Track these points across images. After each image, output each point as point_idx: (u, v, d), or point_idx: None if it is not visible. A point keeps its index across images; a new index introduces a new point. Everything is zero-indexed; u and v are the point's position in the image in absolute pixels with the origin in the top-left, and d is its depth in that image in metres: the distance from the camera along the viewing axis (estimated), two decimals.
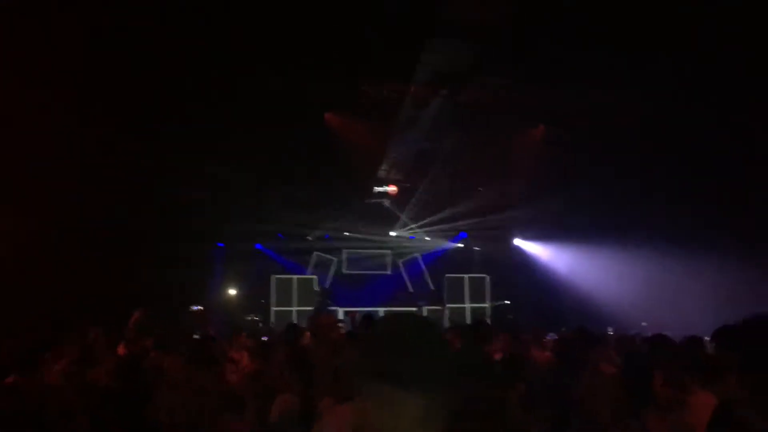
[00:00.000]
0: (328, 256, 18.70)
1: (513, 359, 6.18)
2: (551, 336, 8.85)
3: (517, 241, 18.67)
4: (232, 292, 17.61)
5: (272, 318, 17.17)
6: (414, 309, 16.80)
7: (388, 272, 18.92)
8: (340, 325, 7.12)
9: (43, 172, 9.50)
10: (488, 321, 13.57)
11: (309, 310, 15.74)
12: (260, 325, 15.78)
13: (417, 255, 19.03)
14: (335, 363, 4.91)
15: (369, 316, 6.96)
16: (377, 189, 17.14)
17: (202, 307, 14.42)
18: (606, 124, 11.71)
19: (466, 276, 18.63)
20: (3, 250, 9.07)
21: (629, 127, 11.98)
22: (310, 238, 18.14)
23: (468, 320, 16.94)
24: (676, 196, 12.79)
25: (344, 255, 18.71)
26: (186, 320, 13.05)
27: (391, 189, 16.47)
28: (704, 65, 9.66)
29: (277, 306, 17.72)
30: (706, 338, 7.35)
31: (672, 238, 13.01)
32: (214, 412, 3.81)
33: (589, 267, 15.52)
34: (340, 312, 15.81)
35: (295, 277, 18.22)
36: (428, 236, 18.59)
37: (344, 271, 18.76)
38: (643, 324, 12.42)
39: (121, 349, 7.04)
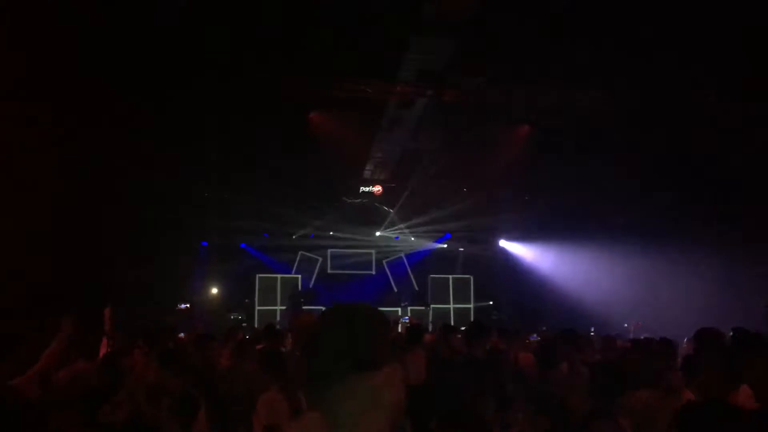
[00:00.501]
0: (313, 255, 18.65)
1: (493, 355, 6.26)
2: (534, 337, 8.90)
3: (503, 242, 18.74)
4: (216, 290, 17.52)
5: (256, 317, 17.12)
6: (398, 309, 16.86)
7: (373, 272, 18.91)
8: None
9: (24, 167, 9.39)
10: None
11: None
12: (243, 324, 15.74)
13: (401, 255, 19.04)
14: None
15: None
16: (363, 189, 17.13)
17: (188, 305, 14.37)
18: (588, 122, 11.77)
19: (450, 276, 18.67)
20: None
21: (611, 126, 12.06)
22: (294, 237, 18.09)
23: (452, 320, 17.02)
24: (662, 196, 12.86)
25: (329, 254, 18.68)
26: (173, 319, 12.98)
27: (376, 189, 16.48)
28: (691, 61, 9.74)
29: (260, 305, 17.65)
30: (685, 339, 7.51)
31: (656, 238, 13.13)
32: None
33: (574, 268, 15.61)
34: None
35: (279, 276, 18.16)
36: (413, 236, 18.62)
37: (329, 270, 18.73)
38: (625, 325, 12.53)
39: (103, 347, 7.01)
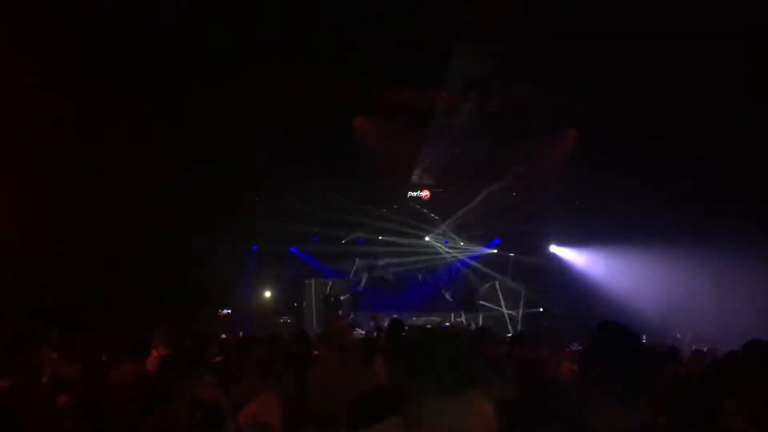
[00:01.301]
0: (362, 260, 18.71)
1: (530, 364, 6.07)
2: (575, 346, 8.64)
3: (553, 248, 18.36)
4: (266, 294, 17.76)
5: (312, 319, 17.29)
6: (447, 315, 16.77)
7: (421, 277, 18.84)
8: (359, 330, 7.07)
9: (72, 169, 9.70)
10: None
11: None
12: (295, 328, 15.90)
13: (451, 260, 18.89)
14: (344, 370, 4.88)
15: (396, 322, 6.85)
16: (411, 194, 17.09)
17: (230, 311, 14.56)
18: (641, 129, 11.44)
19: (498, 282, 18.42)
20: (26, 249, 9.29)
21: (666, 131, 11.70)
22: (344, 241, 18.18)
23: (509, 327, 16.90)
24: (722, 203, 12.36)
25: (378, 259, 18.70)
26: (212, 324, 13.18)
27: (424, 194, 16.41)
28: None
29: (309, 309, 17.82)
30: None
31: (711, 246, 12.64)
32: None
33: (626, 274, 15.17)
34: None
35: (329, 280, 18.28)
36: (462, 242, 18.45)
37: (378, 275, 18.75)
38: (678, 335, 12.09)
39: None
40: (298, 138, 13.11)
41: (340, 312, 16.50)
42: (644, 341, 10.64)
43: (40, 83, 8.89)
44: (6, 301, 8.73)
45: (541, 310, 17.72)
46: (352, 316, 15.76)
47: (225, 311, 14.60)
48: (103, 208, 10.63)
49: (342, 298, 17.42)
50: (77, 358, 5.71)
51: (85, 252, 10.24)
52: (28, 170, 9.27)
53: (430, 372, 1.72)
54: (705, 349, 8.49)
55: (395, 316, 11.89)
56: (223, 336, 9.66)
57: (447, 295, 18.58)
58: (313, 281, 18.04)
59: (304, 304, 17.84)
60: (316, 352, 6.45)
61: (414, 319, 17.06)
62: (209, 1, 9.22)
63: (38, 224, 9.36)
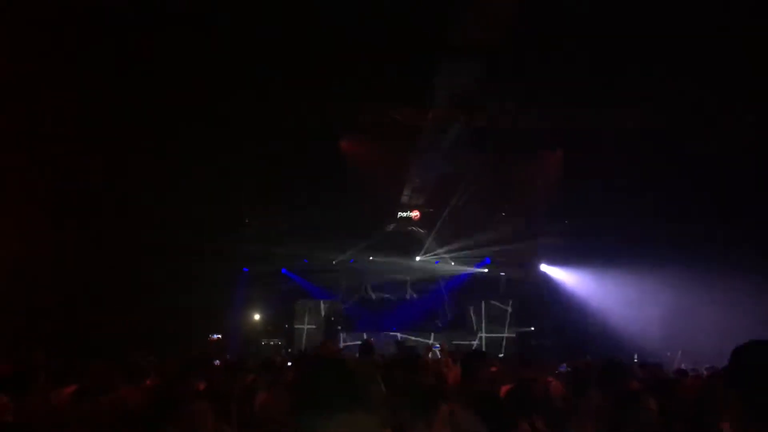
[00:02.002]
0: (352, 281, 18.68)
1: (520, 390, 6.04)
2: (563, 368, 8.63)
3: (544, 267, 18.40)
4: (256, 316, 17.69)
5: (302, 340, 17.23)
6: (438, 335, 16.73)
7: (412, 297, 18.83)
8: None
9: (62, 187, 9.69)
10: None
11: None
12: (285, 350, 15.85)
13: (441, 280, 18.89)
14: None
15: (365, 344, 6.91)
16: (400, 214, 17.12)
17: (220, 336, 14.48)
18: (626, 145, 11.54)
19: (488, 302, 18.41)
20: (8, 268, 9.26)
21: (655, 149, 11.78)
22: (335, 262, 18.17)
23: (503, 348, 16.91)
24: (710, 220, 12.42)
25: (368, 279, 18.68)
26: (204, 349, 13.10)
27: (414, 214, 16.46)
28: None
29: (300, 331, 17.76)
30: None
31: (699, 264, 12.70)
32: None
33: (616, 293, 15.21)
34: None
35: (320, 301, 18.23)
36: (453, 261, 18.47)
37: (369, 295, 18.73)
38: (668, 354, 12.11)
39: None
40: (288, 160, 13.15)
41: (340, 330, 16.53)
42: (635, 360, 10.71)
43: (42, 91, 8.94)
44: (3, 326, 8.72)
45: (532, 329, 17.72)
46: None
47: (216, 336, 14.51)
48: (96, 235, 10.61)
49: (341, 317, 17.44)
50: (70, 383, 5.69)
51: (77, 278, 10.21)
52: (28, 197, 9.31)
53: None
54: (704, 368, 8.53)
55: (370, 338, 12.01)
56: (216, 362, 9.59)
57: (438, 315, 18.56)
58: (307, 302, 18.01)
59: (296, 325, 17.77)
60: None
61: (402, 339, 17.03)
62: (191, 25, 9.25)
63: (38, 250, 9.36)
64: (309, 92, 11.02)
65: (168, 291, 12.67)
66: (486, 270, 18.66)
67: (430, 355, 9.99)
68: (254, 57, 10.13)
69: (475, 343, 17.63)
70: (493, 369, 6.02)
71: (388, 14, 8.88)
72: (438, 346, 11.52)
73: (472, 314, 18.31)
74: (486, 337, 18.04)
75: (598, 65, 9.24)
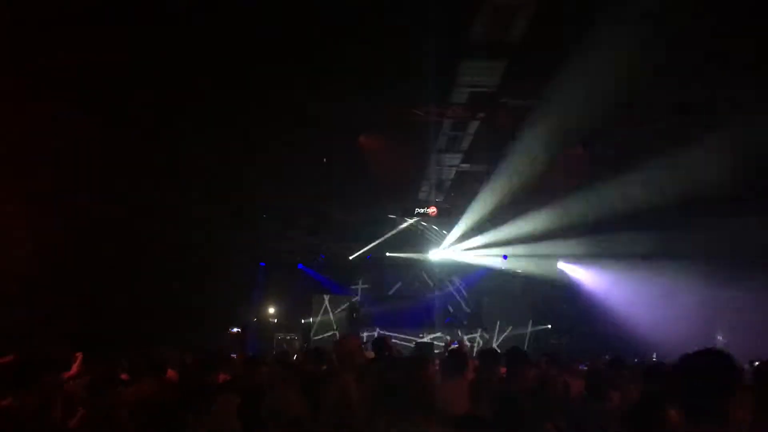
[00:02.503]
0: (370, 276, 18.72)
1: (543, 389, 6.00)
2: (583, 366, 8.57)
3: (561, 264, 18.29)
4: (272, 311, 17.78)
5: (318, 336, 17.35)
6: (454, 332, 16.71)
7: (429, 294, 18.82)
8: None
9: (76, 186, 9.74)
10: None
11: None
12: (304, 345, 15.93)
13: (458, 277, 18.86)
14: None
15: (379, 340, 6.87)
16: (418, 210, 17.08)
17: (240, 329, 14.58)
18: (644, 143, 11.39)
19: (506, 299, 18.36)
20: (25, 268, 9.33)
21: (666, 146, 11.60)
22: (351, 257, 18.20)
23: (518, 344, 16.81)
24: (731, 219, 12.21)
25: (386, 275, 18.71)
26: (224, 342, 13.21)
27: (431, 210, 16.41)
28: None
29: (316, 326, 17.85)
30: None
31: (727, 263, 12.55)
32: None
33: (636, 292, 15.10)
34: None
35: (337, 297, 18.30)
36: (469, 258, 18.41)
37: (386, 291, 18.75)
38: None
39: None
40: (305, 155, 13.15)
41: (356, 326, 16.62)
42: (654, 359, 10.63)
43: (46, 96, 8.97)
44: (18, 322, 8.80)
45: (549, 326, 17.64)
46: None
47: (235, 329, 14.61)
48: (114, 228, 10.67)
49: (358, 313, 17.51)
50: (90, 374, 5.76)
51: (95, 273, 10.28)
52: (40, 192, 9.36)
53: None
54: None
55: (384, 335, 12.00)
56: (233, 355, 9.66)
57: (455, 312, 18.54)
58: (323, 298, 18.09)
59: (312, 320, 17.85)
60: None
61: (421, 335, 17.04)
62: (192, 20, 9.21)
63: (53, 244, 9.42)
64: (329, 87, 10.97)
65: (187, 284, 12.74)
66: (503, 267, 18.59)
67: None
68: (267, 50, 10.09)
69: (495, 340, 17.65)
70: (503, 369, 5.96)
71: (408, 10, 8.83)
72: (456, 343, 11.57)
73: (489, 311, 18.26)
74: (504, 335, 18.01)
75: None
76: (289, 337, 16.78)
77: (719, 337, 12.28)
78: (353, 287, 18.57)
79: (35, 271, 9.32)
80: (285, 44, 9.83)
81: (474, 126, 12.27)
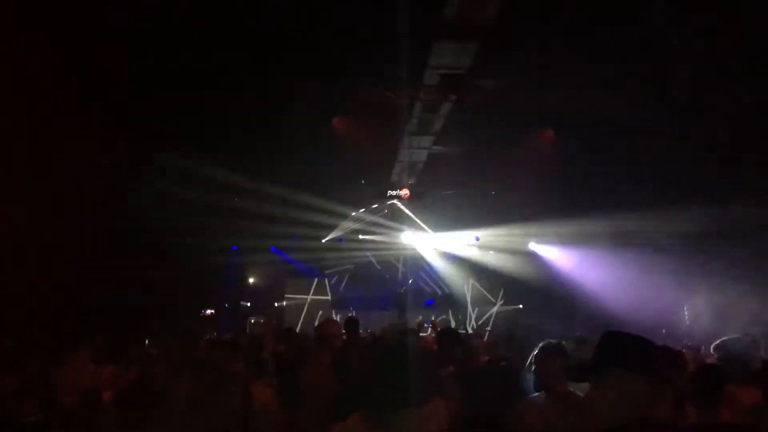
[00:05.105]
0: (342, 259, 18.75)
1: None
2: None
3: (532, 245, 18.52)
4: (246, 293, 17.73)
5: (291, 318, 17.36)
6: (428, 313, 16.84)
7: (403, 275, 18.93)
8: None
9: (53, 175, 9.59)
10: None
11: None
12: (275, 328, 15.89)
13: (430, 259, 18.97)
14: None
15: (351, 320, 6.96)
16: (390, 192, 17.10)
17: (213, 311, 14.54)
18: (621, 126, 11.46)
19: (477, 280, 18.56)
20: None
21: (644, 129, 11.70)
22: (324, 240, 18.19)
23: (490, 325, 17.02)
24: (700, 196, 12.32)
25: (359, 258, 18.75)
26: (196, 325, 13.17)
27: (404, 192, 16.46)
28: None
29: (289, 309, 17.86)
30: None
31: (693, 242, 12.75)
32: None
33: (606, 272, 15.32)
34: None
35: (310, 279, 18.31)
36: (442, 240, 18.54)
37: (358, 273, 18.81)
38: (663, 331, 12.23)
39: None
40: (276, 139, 13.06)
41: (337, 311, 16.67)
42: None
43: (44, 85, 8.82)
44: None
45: (521, 306, 17.88)
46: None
47: (209, 311, 14.56)
48: (92, 213, 10.53)
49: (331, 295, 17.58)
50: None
51: (67, 258, 10.14)
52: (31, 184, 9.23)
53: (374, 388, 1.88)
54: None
55: (353, 314, 11.98)
56: (208, 337, 9.65)
57: (428, 293, 18.69)
58: (297, 281, 18.08)
59: (285, 303, 17.85)
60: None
61: (395, 317, 17.15)
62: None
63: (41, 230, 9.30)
64: (300, 70, 10.88)
65: (159, 267, 12.63)
66: (475, 248, 18.77)
67: (421, 333, 10.13)
68: (238, 31, 9.97)
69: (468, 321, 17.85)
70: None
71: None
72: (430, 323, 11.69)
73: (461, 292, 18.45)
74: (475, 315, 18.21)
75: (591, 45, 9.18)
76: (262, 321, 16.74)
77: (686, 317, 12.54)
78: (328, 271, 18.59)
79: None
80: (254, 26, 9.71)
81: (446, 108, 12.26)
